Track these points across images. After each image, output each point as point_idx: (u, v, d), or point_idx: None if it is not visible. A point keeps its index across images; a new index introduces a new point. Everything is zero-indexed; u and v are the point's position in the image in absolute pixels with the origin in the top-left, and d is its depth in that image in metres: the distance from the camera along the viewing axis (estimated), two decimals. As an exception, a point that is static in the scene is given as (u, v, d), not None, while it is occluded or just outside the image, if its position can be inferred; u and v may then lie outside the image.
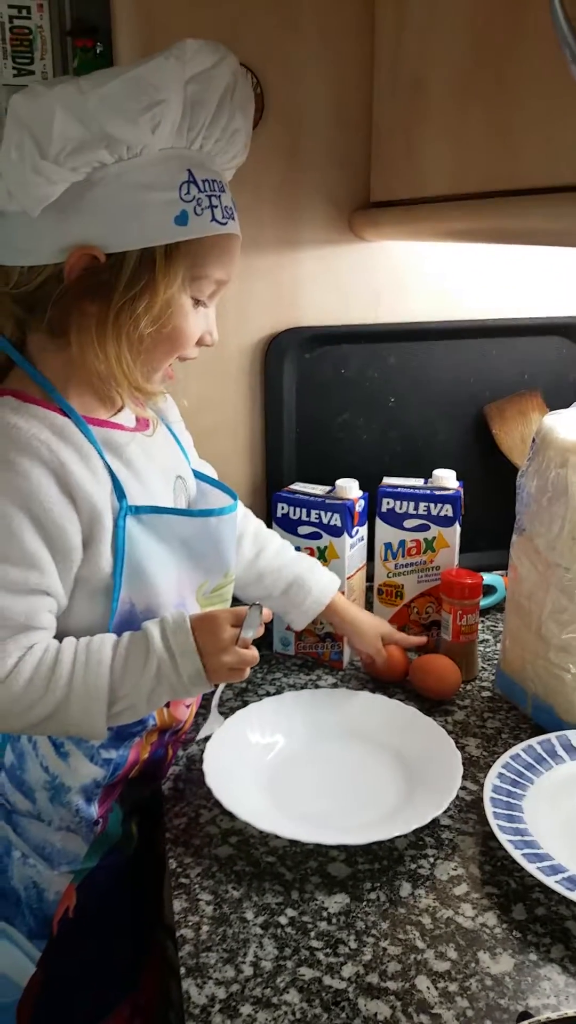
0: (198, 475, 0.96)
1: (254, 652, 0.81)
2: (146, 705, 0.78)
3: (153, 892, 0.95)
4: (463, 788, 0.89)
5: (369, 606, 1.21)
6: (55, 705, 0.75)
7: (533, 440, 0.96)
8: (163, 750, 0.91)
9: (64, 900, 0.85)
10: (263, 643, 1.19)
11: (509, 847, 0.77)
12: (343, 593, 1.10)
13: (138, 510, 0.80)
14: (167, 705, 0.86)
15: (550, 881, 0.73)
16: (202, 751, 0.91)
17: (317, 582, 1.04)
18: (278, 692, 1.08)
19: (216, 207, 0.76)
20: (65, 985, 0.88)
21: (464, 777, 0.89)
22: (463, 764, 0.89)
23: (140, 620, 0.81)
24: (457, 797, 0.87)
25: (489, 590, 1.26)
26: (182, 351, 0.81)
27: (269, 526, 1.17)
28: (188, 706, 0.91)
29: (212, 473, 1.04)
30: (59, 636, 0.79)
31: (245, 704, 1.03)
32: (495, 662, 1.15)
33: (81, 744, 0.83)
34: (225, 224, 0.77)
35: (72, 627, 0.80)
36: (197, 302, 0.80)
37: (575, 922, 0.74)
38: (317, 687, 1.10)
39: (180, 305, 0.78)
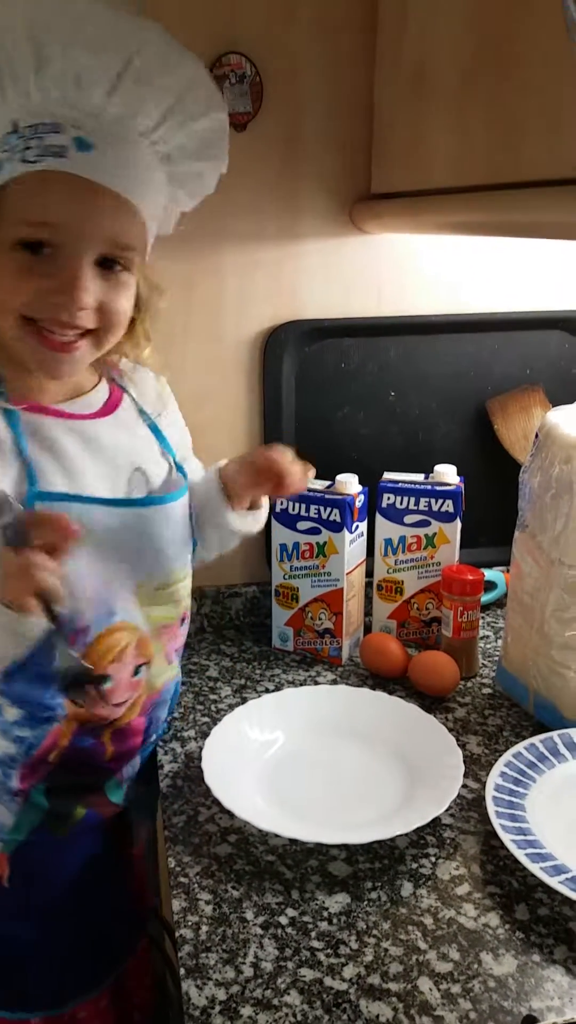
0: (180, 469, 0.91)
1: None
2: None
3: (130, 886, 0.94)
4: (464, 786, 0.88)
5: (369, 602, 1.21)
6: None
7: (536, 436, 0.95)
8: (94, 741, 0.85)
9: None
10: (263, 639, 1.20)
11: (512, 847, 0.76)
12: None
13: (45, 496, 0.76)
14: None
15: (553, 882, 0.72)
16: (201, 748, 0.90)
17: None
18: (277, 688, 1.08)
19: (31, 148, 0.71)
20: (6, 952, 0.88)
21: (465, 775, 0.88)
22: (464, 762, 0.88)
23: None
24: (458, 796, 0.86)
25: (490, 586, 1.25)
26: (2, 312, 0.75)
27: (268, 521, 1.16)
28: (117, 704, 0.85)
29: (197, 472, 0.99)
30: None
31: (244, 701, 1.02)
32: (496, 659, 1.14)
33: None
34: (36, 162, 0.70)
35: None
36: (29, 256, 0.72)
37: (578, 922, 0.73)
38: (316, 683, 1.10)
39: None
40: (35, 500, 0.76)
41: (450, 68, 0.89)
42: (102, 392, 0.87)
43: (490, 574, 1.25)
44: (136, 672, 0.85)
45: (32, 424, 0.79)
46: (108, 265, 0.75)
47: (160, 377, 0.94)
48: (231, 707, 1.00)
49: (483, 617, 1.22)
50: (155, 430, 0.90)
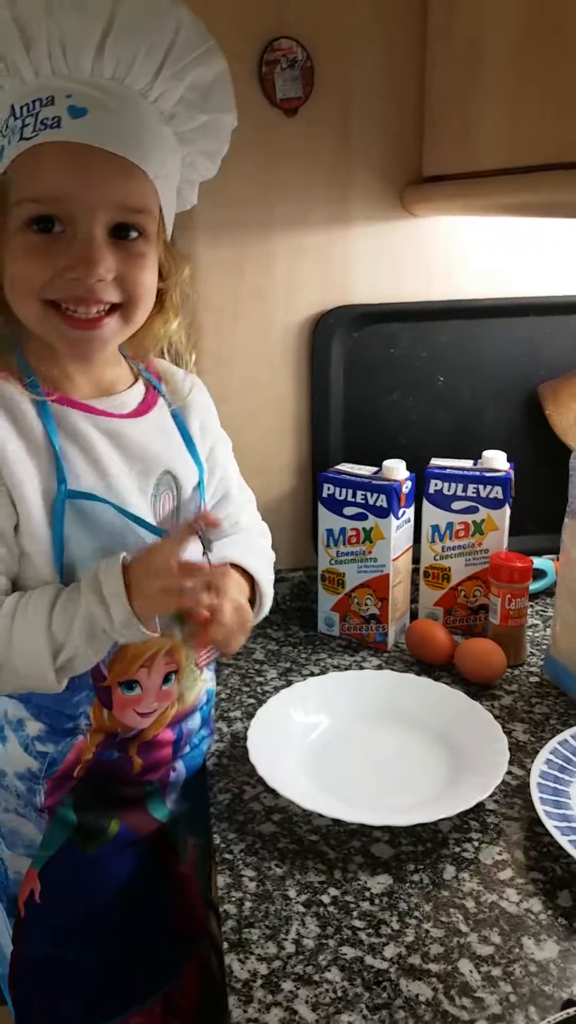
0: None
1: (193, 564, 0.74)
2: (92, 653, 0.75)
3: (177, 904, 0.92)
4: (509, 773, 0.88)
5: (415, 588, 1.20)
6: (2, 657, 0.74)
7: (587, 420, 0.94)
8: (120, 754, 0.84)
9: (27, 883, 0.84)
10: (309, 623, 1.20)
11: (556, 833, 0.76)
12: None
13: (76, 495, 0.76)
14: (110, 708, 0.81)
15: (598, 869, 0.72)
16: (246, 728, 0.92)
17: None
18: (322, 673, 1.08)
19: (27, 125, 0.70)
20: (40, 973, 0.86)
21: (510, 762, 0.88)
22: (509, 749, 0.88)
23: None
24: (503, 782, 0.86)
25: (539, 574, 1.24)
26: (22, 297, 0.74)
27: (314, 507, 1.16)
28: (143, 715, 0.83)
29: (245, 494, 0.98)
30: None
31: (289, 683, 1.03)
32: (544, 647, 1.13)
33: (18, 731, 0.82)
34: (33, 137, 0.70)
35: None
36: (41, 236, 0.72)
37: (623, 911, 0.73)
38: (361, 668, 1.10)
39: (12, 248, 0.72)
40: (66, 498, 0.75)
41: (503, 43, 0.88)
42: (137, 393, 0.85)
43: (540, 562, 1.24)
44: (166, 680, 0.83)
45: (61, 416, 0.78)
46: (123, 234, 0.73)
47: (191, 363, 0.91)
48: (276, 690, 1.01)
49: (532, 605, 1.21)
50: (185, 435, 0.87)
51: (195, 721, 0.89)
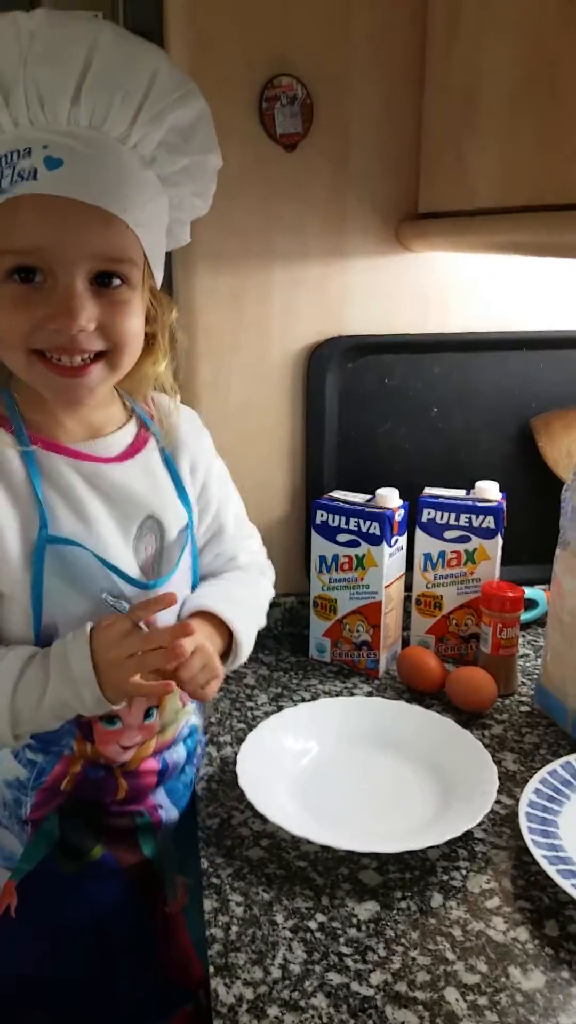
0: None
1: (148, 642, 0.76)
2: (55, 723, 0.79)
3: (162, 946, 0.88)
4: (498, 802, 0.88)
5: (407, 616, 1.21)
6: None
7: (577, 452, 0.95)
8: (108, 776, 0.84)
9: (4, 896, 0.83)
10: (300, 649, 1.21)
11: (543, 862, 0.76)
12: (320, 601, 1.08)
13: (56, 540, 0.77)
14: (92, 741, 0.82)
15: (584, 898, 0.72)
16: (236, 753, 0.92)
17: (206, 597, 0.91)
18: (313, 698, 1.08)
19: (4, 177, 0.70)
20: (13, 991, 0.83)
21: (500, 791, 0.88)
22: (499, 778, 0.88)
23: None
24: (492, 811, 0.86)
25: (531, 604, 1.25)
26: (8, 348, 0.75)
27: (307, 533, 1.17)
28: (126, 747, 0.84)
29: (243, 528, 0.98)
30: None
31: (280, 709, 1.03)
32: (535, 677, 1.13)
33: None
34: (9, 190, 0.70)
35: (4, 636, 0.79)
36: (23, 287, 0.72)
37: (609, 941, 0.73)
38: (352, 695, 1.10)
39: None
40: (47, 543, 0.76)
41: (499, 94, 0.91)
42: (127, 433, 0.85)
43: (531, 592, 1.25)
44: (147, 715, 0.84)
45: (44, 462, 0.78)
46: (105, 282, 0.73)
47: (175, 402, 0.89)
48: (267, 714, 1.01)
49: (523, 635, 1.21)
50: (174, 476, 0.87)
51: (179, 753, 0.89)
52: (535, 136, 0.84)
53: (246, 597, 0.94)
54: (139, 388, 0.87)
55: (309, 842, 0.82)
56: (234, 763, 0.90)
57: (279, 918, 0.75)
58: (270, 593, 0.99)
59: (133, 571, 0.81)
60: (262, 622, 0.95)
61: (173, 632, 0.76)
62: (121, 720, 0.82)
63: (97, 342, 0.74)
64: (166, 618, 0.82)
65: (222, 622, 0.87)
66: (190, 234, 0.88)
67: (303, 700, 1.08)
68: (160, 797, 0.88)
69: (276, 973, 0.70)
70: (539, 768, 0.91)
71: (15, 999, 0.84)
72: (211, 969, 0.70)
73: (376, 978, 0.69)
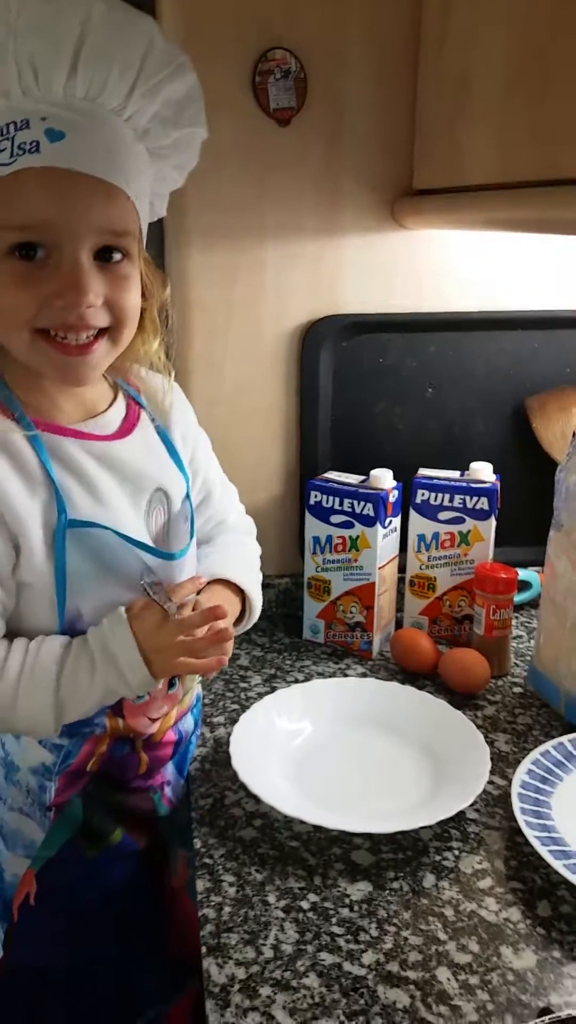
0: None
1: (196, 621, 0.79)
2: (98, 708, 0.79)
3: (172, 921, 0.88)
4: (491, 783, 0.88)
5: (401, 597, 1.21)
6: (2, 708, 0.76)
7: (574, 436, 0.94)
8: (131, 752, 0.85)
9: (23, 885, 0.83)
10: (294, 630, 1.21)
11: (535, 843, 0.76)
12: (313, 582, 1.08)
13: (76, 524, 0.76)
14: (123, 716, 0.83)
15: (576, 879, 0.72)
16: (229, 734, 0.92)
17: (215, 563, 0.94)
18: (307, 679, 1.08)
19: (4, 150, 0.68)
20: (26, 982, 0.84)
21: (492, 772, 0.88)
22: (492, 759, 0.88)
23: (87, 626, 0.79)
24: (484, 791, 0.86)
25: (524, 585, 1.25)
26: (11, 328, 0.73)
27: (301, 514, 1.17)
28: (153, 720, 0.85)
29: (228, 492, 1.00)
30: (11, 635, 0.78)
31: (274, 690, 1.03)
32: (528, 659, 1.13)
33: None
34: (11, 163, 0.68)
35: (24, 628, 0.79)
36: (25, 264, 0.70)
37: (601, 921, 0.73)
38: (346, 676, 1.10)
39: None
40: (67, 528, 0.76)
41: (492, 79, 0.90)
42: (119, 410, 0.84)
43: (525, 574, 1.25)
44: (171, 685, 0.86)
45: (53, 446, 0.77)
46: (106, 257, 0.72)
47: (170, 381, 0.89)
48: (260, 696, 1.01)
49: (517, 617, 1.21)
50: (170, 447, 0.88)
51: (188, 723, 0.91)
52: (528, 116, 0.83)
53: (249, 559, 0.98)
54: (127, 368, 0.87)
55: (302, 822, 0.81)
56: (227, 744, 0.90)
57: (271, 898, 0.75)
58: (258, 550, 1.02)
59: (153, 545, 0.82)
60: (260, 579, 0.99)
61: (207, 616, 0.79)
62: (148, 692, 0.82)
63: (103, 318, 0.74)
64: (176, 578, 0.84)
65: (236, 588, 0.91)
66: (184, 209, 0.87)
67: (296, 681, 1.08)
68: (169, 771, 0.90)
69: (268, 953, 0.70)
70: (532, 749, 0.91)
71: (34, 989, 0.84)
72: (203, 949, 0.70)
73: (368, 958, 0.69)
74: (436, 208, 1.07)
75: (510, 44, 0.85)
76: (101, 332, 0.75)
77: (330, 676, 1.10)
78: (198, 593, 0.85)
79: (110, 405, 0.84)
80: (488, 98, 0.90)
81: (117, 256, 0.74)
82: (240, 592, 0.93)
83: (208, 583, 0.89)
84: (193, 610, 0.81)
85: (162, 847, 0.88)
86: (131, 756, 0.85)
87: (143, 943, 0.87)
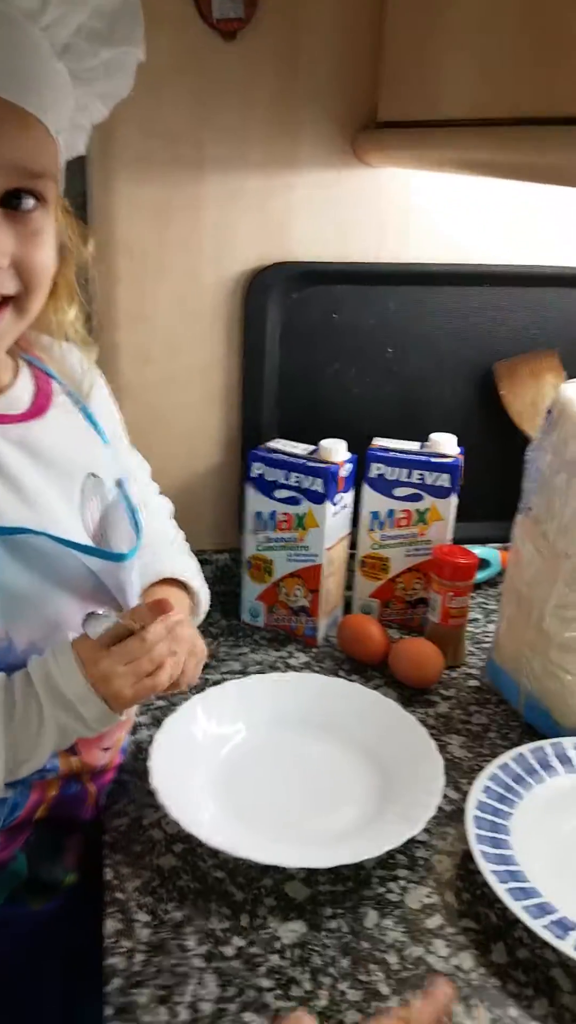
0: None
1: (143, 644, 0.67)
2: (50, 754, 0.67)
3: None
4: (444, 796, 0.79)
5: (351, 575, 1.11)
6: None
7: (549, 412, 0.84)
8: (81, 788, 0.76)
9: None
10: (231, 611, 1.10)
11: (492, 879, 0.67)
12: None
13: (4, 531, 0.64)
14: (76, 753, 0.73)
15: (536, 925, 0.64)
16: (151, 739, 0.81)
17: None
18: (243, 669, 0.99)
19: None
20: None
21: (445, 784, 0.79)
22: (445, 768, 0.79)
23: (20, 656, 0.67)
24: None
25: (483, 564, 1.16)
26: None
27: (242, 487, 1.06)
28: (106, 749, 0.77)
29: (144, 470, 0.90)
30: None
31: (206, 680, 0.93)
32: (485, 646, 1.05)
33: None
34: None
35: None
36: None
37: (562, 970, 0.64)
38: (287, 664, 1.01)
39: None
40: None
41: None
42: (25, 384, 0.72)
43: (485, 551, 1.16)
44: None
45: None
46: (16, 204, 0.60)
47: (88, 351, 0.78)
48: (191, 688, 0.91)
49: (473, 597, 1.12)
50: (90, 419, 0.76)
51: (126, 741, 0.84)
52: (518, 37, 0.72)
53: (183, 548, 0.91)
54: (32, 342, 0.74)
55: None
56: (148, 752, 0.79)
57: (191, 942, 0.66)
58: (182, 534, 0.94)
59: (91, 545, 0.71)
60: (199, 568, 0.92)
61: (153, 612, 0.68)
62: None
63: (10, 284, 0.61)
64: (125, 582, 0.74)
65: (179, 583, 0.84)
66: (110, 135, 0.73)
67: (232, 672, 0.98)
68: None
69: (184, 1015, 0.60)
70: (487, 754, 0.83)
71: None
72: (109, 1010, 0.60)
73: (299, 1020, 0.60)
74: (403, 144, 0.96)
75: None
76: (6, 300, 0.62)
77: (270, 665, 1.00)
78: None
79: (14, 379, 0.71)
80: (473, 11, 0.78)
81: (30, 203, 0.61)
82: (184, 587, 0.85)
83: (153, 584, 0.82)
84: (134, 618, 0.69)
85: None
86: (81, 791, 0.75)
87: (89, 985, 0.76)
